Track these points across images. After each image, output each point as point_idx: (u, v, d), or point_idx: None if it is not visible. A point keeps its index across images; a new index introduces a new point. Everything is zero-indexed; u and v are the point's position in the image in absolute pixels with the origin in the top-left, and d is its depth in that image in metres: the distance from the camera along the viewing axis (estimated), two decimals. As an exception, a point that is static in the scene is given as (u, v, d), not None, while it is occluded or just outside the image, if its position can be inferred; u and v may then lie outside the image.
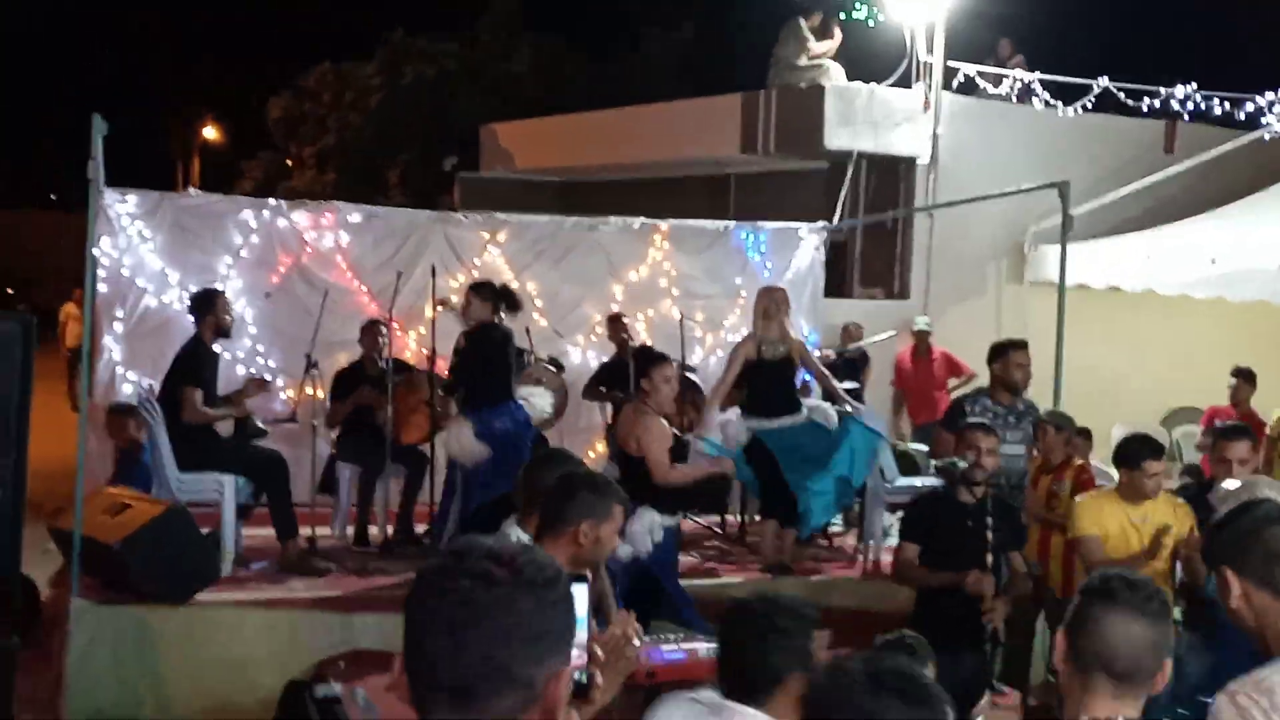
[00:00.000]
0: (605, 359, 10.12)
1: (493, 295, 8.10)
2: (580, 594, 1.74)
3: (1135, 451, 5.95)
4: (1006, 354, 7.63)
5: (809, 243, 11.43)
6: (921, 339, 11.68)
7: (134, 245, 9.34)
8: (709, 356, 10.97)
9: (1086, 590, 2.58)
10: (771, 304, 8.41)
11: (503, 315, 8.11)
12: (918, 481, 8.84)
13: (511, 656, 1.48)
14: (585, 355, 10.61)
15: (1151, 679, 2.48)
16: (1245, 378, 10.07)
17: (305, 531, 8.07)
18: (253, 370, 9.53)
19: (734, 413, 8.46)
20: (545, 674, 1.51)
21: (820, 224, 11.69)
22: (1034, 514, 6.88)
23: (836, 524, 9.97)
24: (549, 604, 1.53)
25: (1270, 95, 13.27)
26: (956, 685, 3.44)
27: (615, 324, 10.03)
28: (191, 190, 12.03)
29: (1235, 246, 10.50)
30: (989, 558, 5.66)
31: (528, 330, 9.11)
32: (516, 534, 4.29)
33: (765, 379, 8.31)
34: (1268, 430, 8.48)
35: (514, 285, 10.45)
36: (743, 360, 8.29)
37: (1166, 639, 2.50)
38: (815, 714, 1.71)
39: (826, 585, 8.52)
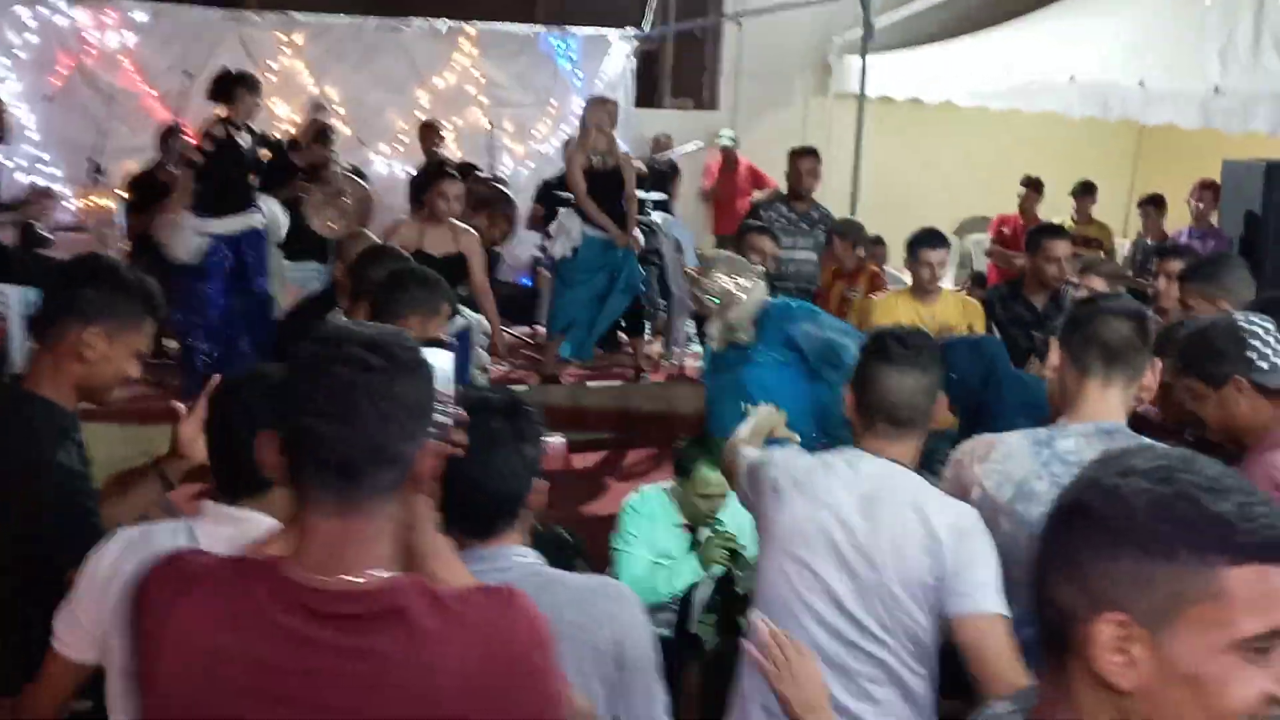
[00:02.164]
0: (411, 170, 9.88)
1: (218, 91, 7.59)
2: (447, 360, 1.80)
3: (915, 239, 6.14)
4: (791, 160, 7.79)
5: (619, 50, 11.32)
6: (727, 154, 11.78)
7: (-104, 42, 8.69)
8: (519, 167, 10.88)
9: (865, 350, 2.86)
10: (604, 115, 8.32)
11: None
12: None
13: (390, 436, 1.58)
14: (390, 165, 10.39)
15: (928, 417, 2.82)
16: (1034, 187, 10.47)
17: (99, 345, 7.81)
18: (35, 179, 9.08)
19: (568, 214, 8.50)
20: (417, 448, 1.63)
21: (631, 31, 11.57)
22: None
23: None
24: (419, 384, 1.64)
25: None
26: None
27: (428, 132, 9.77)
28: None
29: (1030, 58, 10.76)
30: None
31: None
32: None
33: (596, 190, 8.27)
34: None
35: (314, 90, 10.14)
36: (580, 170, 8.23)
37: (936, 382, 2.80)
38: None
39: (631, 390, 8.74)
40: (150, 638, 1.62)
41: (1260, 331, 3.10)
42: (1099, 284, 5.15)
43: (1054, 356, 2.86)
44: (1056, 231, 6.19)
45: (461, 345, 6.78)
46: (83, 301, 2.66)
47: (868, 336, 2.95)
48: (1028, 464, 2.74)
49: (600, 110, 8.40)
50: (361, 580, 1.59)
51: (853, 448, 2.83)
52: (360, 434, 1.57)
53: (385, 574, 1.61)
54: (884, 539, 2.64)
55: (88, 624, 2.21)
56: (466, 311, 6.96)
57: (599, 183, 8.29)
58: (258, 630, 1.57)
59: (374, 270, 4.25)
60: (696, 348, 9.00)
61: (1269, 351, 3.08)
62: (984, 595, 2.56)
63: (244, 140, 7.55)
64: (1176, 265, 5.36)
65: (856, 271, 7.41)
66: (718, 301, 5.02)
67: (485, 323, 7.15)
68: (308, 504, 1.61)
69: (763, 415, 3.52)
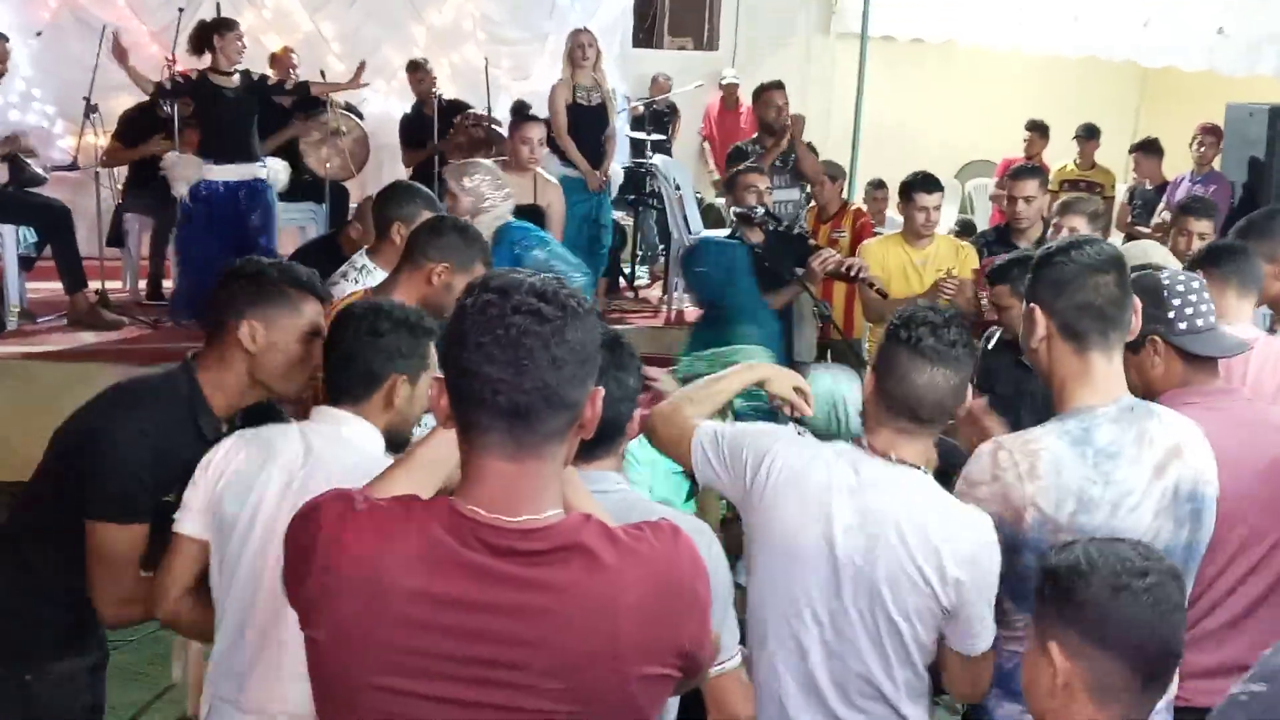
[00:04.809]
0: (407, 108, 9.71)
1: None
2: None
3: (909, 183, 6.06)
4: (758, 94, 7.58)
5: (618, -13, 11.17)
6: (730, 92, 11.65)
7: (-117, -23, 8.54)
8: (515, 106, 10.74)
9: (894, 336, 2.51)
10: (576, 47, 8.11)
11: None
12: (722, 233, 8.96)
13: (563, 382, 1.65)
14: (386, 102, 10.26)
15: (951, 415, 2.57)
16: (1039, 131, 10.39)
17: (95, 285, 7.78)
18: (29, 117, 8.99)
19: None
20: (587, 394, 1.71)
21: (630, -33, 11.41)
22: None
23: (642, 276, 10.12)
24: (590, 331, 1.69)
25: None
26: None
27: (417, 72, 9.58)
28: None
29: (1033, -1, 10.67)
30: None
31: (323, 74, 8.72)
32: (365, 263, 4.21)
33: (577, 126, 8.06)
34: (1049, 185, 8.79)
35: (309, 27, 10.00)
36: (563, 105, 8.02)
37: (967, 377, 2.52)
38: None
39: (631, 334, 8.70)
40: (323, 572, 1.67)
41: (1187, 290, 2.86)
42: (1080, 223, 5.07)
43: (1040, 326, 2.52)
44: (1022, 171, 6.14)
45: None
46: None
47: (896, 316, 2.53)
48: (1079, 470, 2.43)
49: (572, 41, 8.16)
50: (540, 517, 1.67)
51: (856, 446, 2.55)
52: (534, 380, 1.63)
53: (559, 512, 1.70)
54: (882, 564, 2.43)
55: (198, 505, 2.56)
56: None
57: (581, 119, 8.03)
58: (439, 566, 1.64)
59: (392, 208, 4.14)
60: (695, 291, 8.94)
61: (1191, 312, 2.86)
62: (988, 634, 2.50)
63: (229, 88, 7.41)
64: (1204, 225, 5.26)
65: (840, 213, 7.37)
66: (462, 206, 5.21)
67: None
68: (481, 448, 1.68)
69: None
